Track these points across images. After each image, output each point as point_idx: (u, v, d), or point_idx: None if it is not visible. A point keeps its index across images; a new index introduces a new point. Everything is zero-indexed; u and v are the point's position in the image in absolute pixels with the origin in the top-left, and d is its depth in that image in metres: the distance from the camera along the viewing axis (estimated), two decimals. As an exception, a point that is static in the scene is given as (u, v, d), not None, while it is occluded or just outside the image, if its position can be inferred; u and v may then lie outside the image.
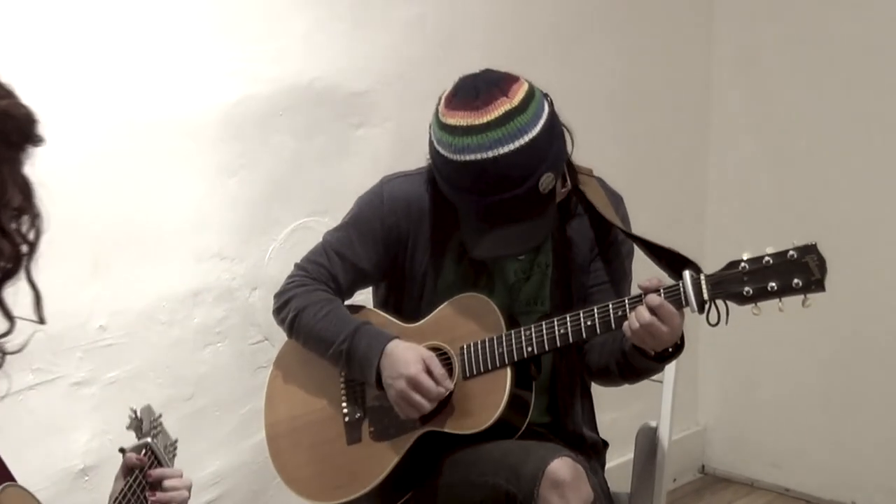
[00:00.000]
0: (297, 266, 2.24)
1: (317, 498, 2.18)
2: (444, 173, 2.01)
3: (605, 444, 2.28)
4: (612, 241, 2.16)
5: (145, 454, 1.69)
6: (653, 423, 2.28)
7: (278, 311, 2.22)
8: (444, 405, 2.07)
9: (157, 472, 1.68)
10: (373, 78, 2.82)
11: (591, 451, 2.21)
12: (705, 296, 1.91)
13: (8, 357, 1.46)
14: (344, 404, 2.18)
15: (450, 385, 2.05)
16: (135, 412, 1.73)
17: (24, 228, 1.41)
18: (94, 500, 2.39)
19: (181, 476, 1.71)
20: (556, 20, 3.23)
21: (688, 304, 1.91)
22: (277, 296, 2.23)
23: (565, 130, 2.06)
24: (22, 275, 1.42)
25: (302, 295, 2.18)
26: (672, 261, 2.02)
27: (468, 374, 2.07)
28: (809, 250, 1.88)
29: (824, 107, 3.53)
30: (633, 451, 2.30)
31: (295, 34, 2.67)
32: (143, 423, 1.73)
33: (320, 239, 2.27)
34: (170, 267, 2.52)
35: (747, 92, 3.72)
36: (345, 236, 2.19)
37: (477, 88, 1.99)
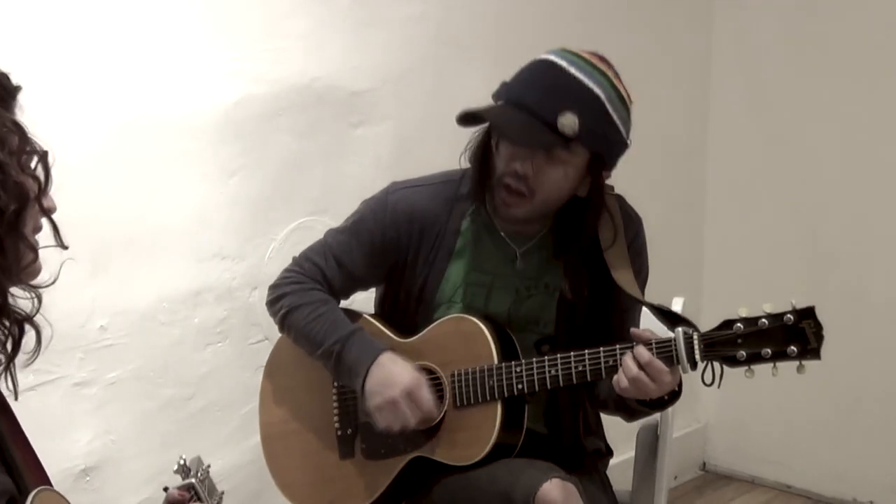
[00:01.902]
0: (294, 261, 2.21)
1: None
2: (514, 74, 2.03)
3: (610, 452, 2.26)
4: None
5: (189, 493, 1.69)
6: (654, 421, 2.27)
7: (271, 303, 2.20)
8: (435, 431, 2.06)
9: None
10: (373, 77, 2.82)
11: (594, 458, 2.19)
12: (697, 357, 1.88)
13: (42, 347, 1.49)
14: (336, 417, 2.16)
15: (437, 413, 2.04)
16: (183, 460, 1.75)
17: (32, 169, 1.43)
18: (95, 500, 2.40)
19: None
20: (557, 18, 3.23)
21: (679, 362, 1.88)
22: (272, 288, 2.21)
23: (611, 218, 2.07)
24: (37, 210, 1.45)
25: (297, 293, 2.15)
26: (668, 314, 2.00)
27: (458, 403, 2.05)
28: (807, 314, 1.84)
29: (823, 102, 3.55)
30: (635, 448, 2.30)
31: (295, 34, 2.67)
32: (191, 470, 1.74)
33: (321, 237, 2.26)
34: (170, 267, 2.52)
35: (746, 86, 3.72)
36: (345, 242, 2.16)
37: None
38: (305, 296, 2.14)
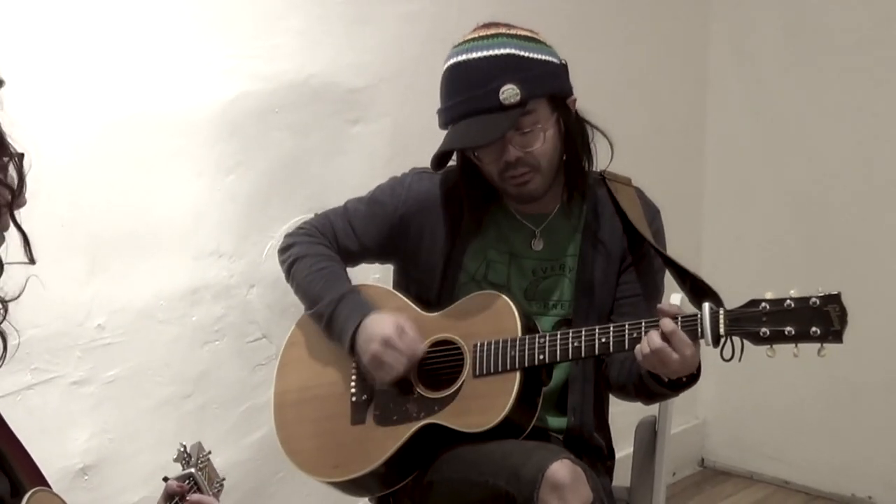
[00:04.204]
0: (315, 216, 2.30)
1: (313, 473, 2.17)
2: (440, 97, 2.10)
3: (612, 455, 2.27)
4: (644, 253, 2.17)
5: (187, 484, 1.69)
6: (652, 417, 2.28)
7: (281, 251, 2.28)
8: (451, 399, 2.07)
9: (194, 497, 1.69)
10: (370, 74, 2.83)
11: (595, 454, 2.19)
12: (721, 331, 1.89)
13: (7, 355, 1.45)
14: (353, 383, 2.18)
15: (423, 348, 2.08)
16: (184, 446, 1.77)
17: (4, 175, 1.37)
18: (93, 499, 2.40)
19: None
20: (553, 16, 3.23)
21: (703, 336, 1.89)
22: (286, 236, 2.30)
23: (601, 134, 2.16)
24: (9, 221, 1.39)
25: (305, 244, 2.24)
26: (695, 287, 2.03)
27: (478, 373, 2.07)
28: (833, 300, 1.86)
29: (819, 98, 3.56)
30: (633, 445, 2.30)
31: (291, 31, 2.67)
32: (191, 458, 1.75)
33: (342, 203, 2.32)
34: (167, 265, 2.52)
35: (743, 84, 3.73)
36: (362, 210, 2.25)
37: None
38: (312, 248, 2.23)
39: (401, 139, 2.87)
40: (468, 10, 3.01)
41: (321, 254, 2.22)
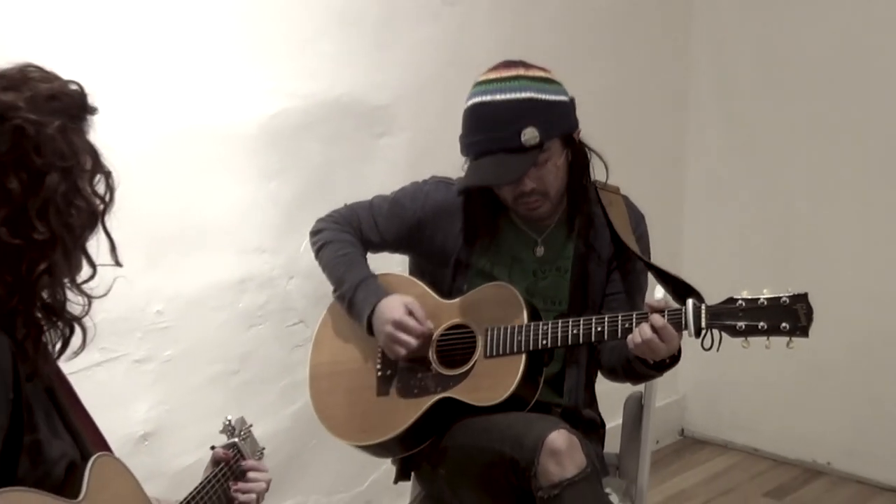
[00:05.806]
0: (345, 206, 2.32)
1: (344, 437, 2.21)
2: (462, 128, 2.09)
3: (602, 424, 2.29)
4: (629, 257, 2.19)
5: (232, 452, 1.76)
6: (639, 393, 2.29)
7: (312, 234, 2.32)
8: (464, 377, 2.10)
9: (250, 463, 1.76)
10: (393, 93, 2.85)
11: (588, 426, 2.22)
12: (703, 324, 1.92)
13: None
14: (379, 359, 2.21)
15: (430, 325, 2.11)
16: (228, 420, 1.81)
17: (99, 188, 1.42)
18: (153, 462, 2.43)
19: (264, 470, 1.79)
20: (552, 43, 3.23)
21: (686, 328, 1.93)
22: (318, 221, 2.32)
23: (597, 157, 2.15)
24: (100, 228, 1.43)
25: (332, 230, 2.27)
26: (678, 287, 2.06)
27: (489, 354, 2.10)
28: (800, 299, 1.89)
29: (788, 115, 3.55)
30: (622, 417, 2.31)
31: (324, 55, 2.70)
32: (235, 430, 1.78)
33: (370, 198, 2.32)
34: (217, 259, 2.56)
35: (720, 101, 3.73)
36: (385, 209, 2.27)
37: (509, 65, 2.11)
38: (339, 235, 2.26)
39: (420, 150, 2.89)
40: (479, 38, 3.02)
41: (345, 240, 2.25)
